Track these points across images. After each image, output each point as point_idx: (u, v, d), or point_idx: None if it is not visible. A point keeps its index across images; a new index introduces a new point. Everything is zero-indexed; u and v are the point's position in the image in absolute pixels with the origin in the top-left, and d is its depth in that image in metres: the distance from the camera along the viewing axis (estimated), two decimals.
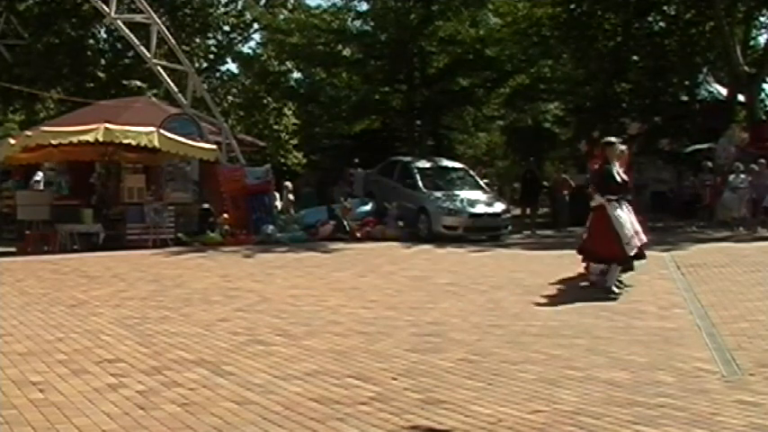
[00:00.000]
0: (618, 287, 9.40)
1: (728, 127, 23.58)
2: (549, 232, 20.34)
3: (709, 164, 21.69)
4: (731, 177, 19.50)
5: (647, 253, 10.42)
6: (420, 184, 18.93)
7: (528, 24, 25.53)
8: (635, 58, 26.38)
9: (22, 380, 5.42)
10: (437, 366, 5.88)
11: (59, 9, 27.98)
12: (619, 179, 9.66)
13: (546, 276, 10.98)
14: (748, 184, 18.94)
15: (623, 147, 10.34)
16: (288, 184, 21.56)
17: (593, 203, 9.85)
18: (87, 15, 27.22)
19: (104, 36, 29.44)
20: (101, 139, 15.13)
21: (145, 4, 18.19)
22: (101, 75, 28.63)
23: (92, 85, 28.01)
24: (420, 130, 27.41)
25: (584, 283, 10.17)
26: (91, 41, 29.34)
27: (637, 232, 9.71)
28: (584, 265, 10.37)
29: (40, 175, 19.21)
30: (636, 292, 9.44)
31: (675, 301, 8.98)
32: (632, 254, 9.53)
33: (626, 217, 9.57)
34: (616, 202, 9.59)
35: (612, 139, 10.13)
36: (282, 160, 31.21)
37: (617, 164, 9.86)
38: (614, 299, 9.06)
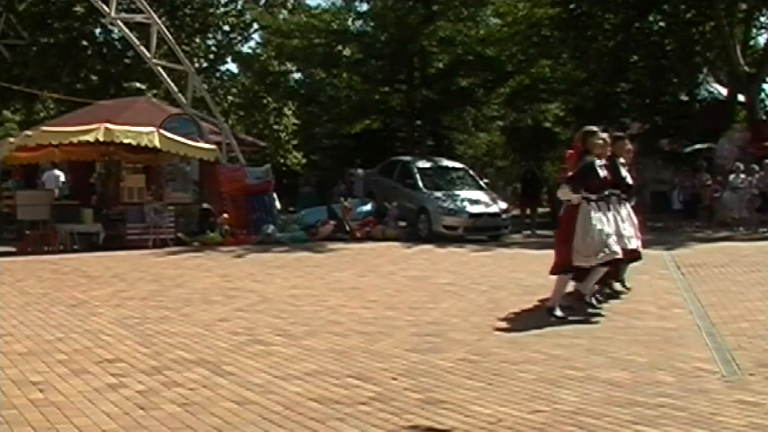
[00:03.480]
0: (591, 305, 8.15)
1: (729, 127, 23.58)
2: (549, 232, 20.33)
3: (705, 163, 21.72)
4: (731, 177, 19.50)
5: (647, 252, 10.32)
6: (420, 184, 18.92)
7: (528, 24, 25.50)
8: (635, 58, 26.33)
9: (22, 380, 5.42)
10: (437, 366, 5.88)
11: (57, 9, 27.94)
12: (602, 175, 8.11)
13: (546, 276, 10.94)
14: (748, 184, 18.95)
15: (605, 135, 8.45)
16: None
17: (566, 202, 8.14)
18: (85, 15, 27.19)
19: (102, 37, 29.39)
20: (101, 139, 15.15)
21: (145, 4, 18.19)
22: (100, 75, 28.59)
23: (91, 84, 27.98)
24: (420, 130, 27.41)
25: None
26: (89, 42, 29.28)
27: (622, 236, 8.34)
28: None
29: (59, 175, 19.06)
30: (636, 292, 9.43)
31: (675, 301, 8.97)
32: (586, 264, 8.03)
33: (603, 220, 8.07)
34: (595, 203, 8.03)
35: (593, 127, 8.36)
36: (282, 160, 31.20)
37: (603, 158, 8.34)
38: (563, 320, 7.70)
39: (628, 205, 8.95)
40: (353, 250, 15.28)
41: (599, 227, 7.97)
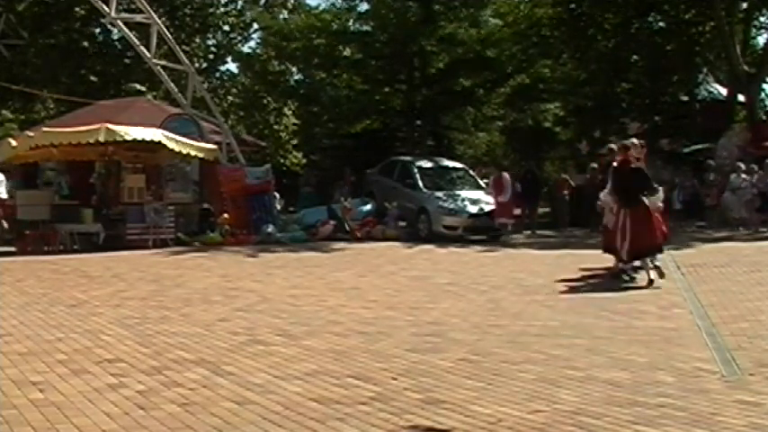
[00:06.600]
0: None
1: (729, 127, 23.57)
2: (548, 232, 20.34)
3: (713, 163, 21.69)
4: (731, 177, 19.47)
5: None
6: (420, 183, 18.91)
7: (528, 25, 25.52)
8: (635, 58, 26.35)
9: (22, 380, 5.42)
10: (437, 366, 5.88)
11: (57, 9, 27.93)
12: None
13: (546, 276, 10.99)
14: (748, 184, 18.91)
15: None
16: None
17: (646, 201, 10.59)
18: (85, 16, 27.18)
19: (102, 37, 29.37)
20: (102, 140, 15.11)
21: (145, 4, 18.17)
22: (99, 75, 28.59)
23: (91, 84, 27.98)
24: (420, 130, 27.39)
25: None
26: (89, 42, 29.28)
27: None
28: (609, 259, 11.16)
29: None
30: (636, 291, 9.44)
31: (675, 301, 8.98)
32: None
33: None
34: None
35: (634, 140, 11.67)
36: (282, 160, 31.18)
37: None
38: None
39: None
40: (353, 250, 15.28)
41: None
